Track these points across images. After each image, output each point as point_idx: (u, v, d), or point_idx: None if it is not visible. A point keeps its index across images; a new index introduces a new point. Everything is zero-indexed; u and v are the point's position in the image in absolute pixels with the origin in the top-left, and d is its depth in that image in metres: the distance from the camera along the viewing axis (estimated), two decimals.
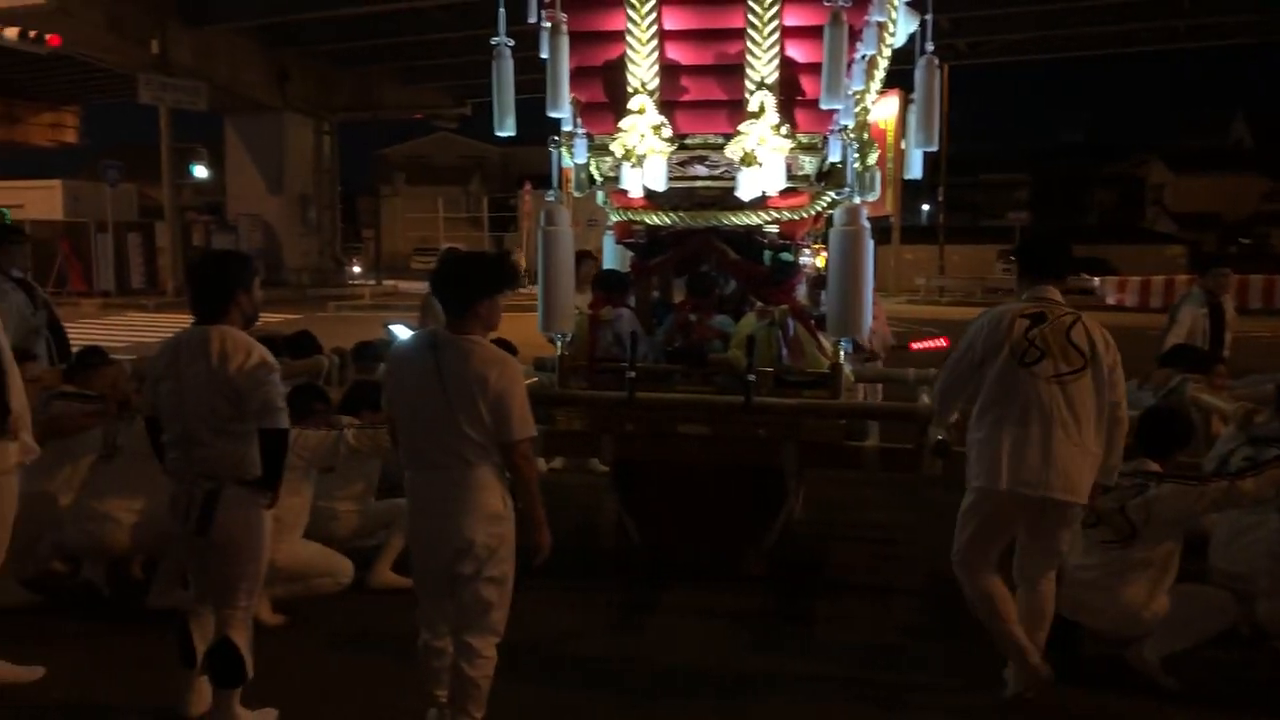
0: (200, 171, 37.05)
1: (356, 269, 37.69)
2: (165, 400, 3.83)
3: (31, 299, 6.55)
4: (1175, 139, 59.09)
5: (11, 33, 22.81)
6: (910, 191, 38.17)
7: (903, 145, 7.20)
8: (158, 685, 4.17)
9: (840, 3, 5.10)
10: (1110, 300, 27.55)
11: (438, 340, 3.56)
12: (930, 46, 5.64)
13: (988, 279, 33.02)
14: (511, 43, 5.70)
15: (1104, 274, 30.42)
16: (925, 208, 47.86)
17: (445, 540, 3.52)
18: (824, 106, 5.31)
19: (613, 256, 7.01)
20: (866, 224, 5.39)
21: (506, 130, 5.86)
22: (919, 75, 5.72)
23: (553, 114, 5.74)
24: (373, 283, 33.81)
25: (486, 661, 3.56)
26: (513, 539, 3.58)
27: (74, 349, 6.78)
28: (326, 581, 5.18)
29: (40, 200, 30.54)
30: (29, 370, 5.28)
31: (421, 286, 23.01)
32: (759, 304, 5.95)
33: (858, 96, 5.62)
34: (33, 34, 22.90)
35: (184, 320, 4.08)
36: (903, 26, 5.97)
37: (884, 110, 27.47)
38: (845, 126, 5.48)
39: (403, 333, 7.13)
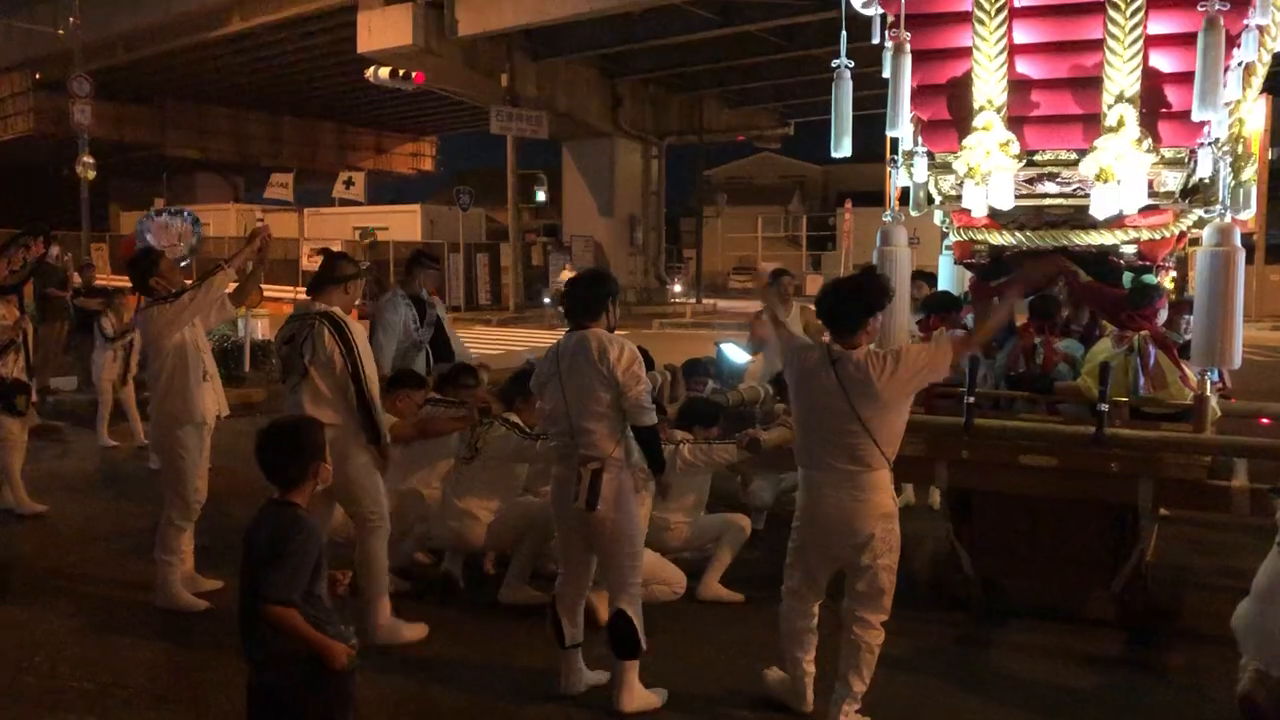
0: (540, 196, 39.48)
1: (677, 288, 38.83)
2: (552, 399, 4.34)
3: (420, 315, 7.23)
4: None
5: (384, 72, 25.46)
6: (1278, 203, 34.46)
7: (1270, 154, 6.52)
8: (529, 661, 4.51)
9: (1217, 6, 4.71)
10: None
11: (833, 354, 4.03)
12: None
13: None
14: (851, 64, 5.68)
15: None
16: None
17: (844, 534, 4.01)
18: (1196, 119, 4.91)
19: (948, 277, 6.83)
20: (1239, 244, 4.98)
21: (843, 151, 5.84)
22: None
23: (892, 134, 5.67)
24: (693, 301, 34.69)
25: (879, 633, 4.08)
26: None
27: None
28: (663, 589, 5.39)
29: (403, 223, 33.74)
30: (414, 397, 5.86)
31: (741, 305, 23.43)
32: (1116, 329, 5.59)
33: (1232, 107, 5.19)
34: (401, 72, 25.46)
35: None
36: None
37: (1253, 117, 25.04)
38: (1217, 139, 5.06)
39: (734, 352, 7.27)
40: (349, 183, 33.62)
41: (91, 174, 25.00)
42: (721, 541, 5.72)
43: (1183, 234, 5.63)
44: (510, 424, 5.46)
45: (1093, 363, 5.40)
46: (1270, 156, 25.91)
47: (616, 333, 4.42)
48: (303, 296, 5.45)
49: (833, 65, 5.67)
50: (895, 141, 5.85)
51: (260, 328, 14.63)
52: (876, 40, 5.48)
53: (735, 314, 25.02)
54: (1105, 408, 4.98)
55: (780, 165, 51.60)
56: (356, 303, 5.27)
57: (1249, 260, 30.30)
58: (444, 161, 53.68)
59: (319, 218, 36.48)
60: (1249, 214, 5.49)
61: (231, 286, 5.85)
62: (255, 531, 3.04)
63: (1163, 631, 5.24)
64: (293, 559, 2.93)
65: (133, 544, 6.48)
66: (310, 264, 32.98)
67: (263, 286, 8.29)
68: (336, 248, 32.54)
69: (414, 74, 25.56)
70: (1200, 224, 5.40)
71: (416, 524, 5.78)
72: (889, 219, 5.71)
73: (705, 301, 34.54)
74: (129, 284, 6.21)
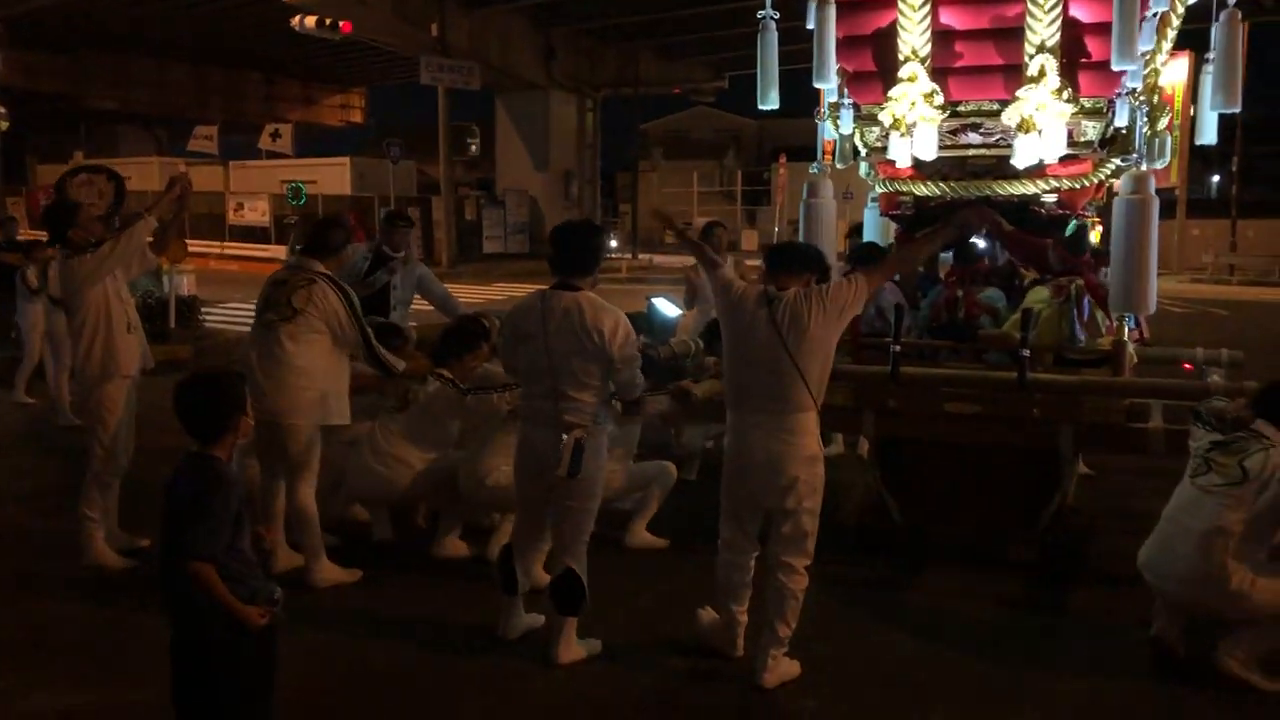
0: (473, 149, 38.99)
1: (613, 243, 38.68)
2: (530, 358, 4.24)
3: (373, 273, 7.14)
4: None
5: (310, 21, 24.85)
6: (1199, 162, 35.27)
7: (1192, 111, 6.70)
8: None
9: None
10: None
11: (769, 295, 4.08)
12: (1233, 1, 5.24)
13: None
14: (776, 15, 5.68)
15: None
16: (1215, 179, 44.07)
17: (770, 476, 4.05)
18: (1115, 68, 4.98)
19: (874, 229, 6.89)
20: (1154, 193, 5.10)
21: (770, 104, 5.86)
22: (1220, 31, 5.31)
23: (818, 85, 5.68)
24: (629, 256, 34.62)
25: (803, 578, 4.13)
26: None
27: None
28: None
29: (332, 176, 33.12)
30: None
31: (677, 260, 23.46)
32: (1055, 279, 5.69)
33: (1147, 57, 5.28)
34: (328, 21, 24.88)
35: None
36: None
37: (1172, 74, 25.47)
38: (1133, 89, 5.15)
39: (665, 306, 7.28)
40: (276, 135, 32.91)
41: (4, 124, 24.14)
42: (650, 488, 5.76)
43: (1101, 183, 5.73)
44: (444, 379, 5.43)
45: (1019, 311, 5.51)
46: (1191, 114, 26.53)
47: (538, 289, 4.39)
48: (229, 251, 5.44)
49: (758, 16, 5.68)
50: (823, 94, 5.88)
51: (186, 284, 14.33)
52: None
53: (671, 268, 24.99)
54: (1027, 353, 5.09)
55: (716, 119, 51.46)
56: None
57: (1170, 215, 31.10)
58: (374, 113, 52.75)
59: (245, 171, 35.67)
60: (1164, 163, 5.63)
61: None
62: (174, 486, 2.99)
63: (1079, 573, 5.38)
64: (212, 514, 2.89)
65: (53, 503, 6.34)
66: (236, 217, 32.38)
67: (187, 241, 8.15)
68: (263, 202, 32.05)
69: (341, 23, 24.99)
70: (1118, 173, 5.50)
71: (343, 476, 5.74)
72: (815, 171, 5.75)
73: (641, 256, 34.50)
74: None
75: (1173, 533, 4.25)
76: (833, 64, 5.52)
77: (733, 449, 4.21)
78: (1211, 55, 5.42)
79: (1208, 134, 5.85)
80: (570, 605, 4.28)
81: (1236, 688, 4.12)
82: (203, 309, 14.49)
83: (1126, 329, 5.25)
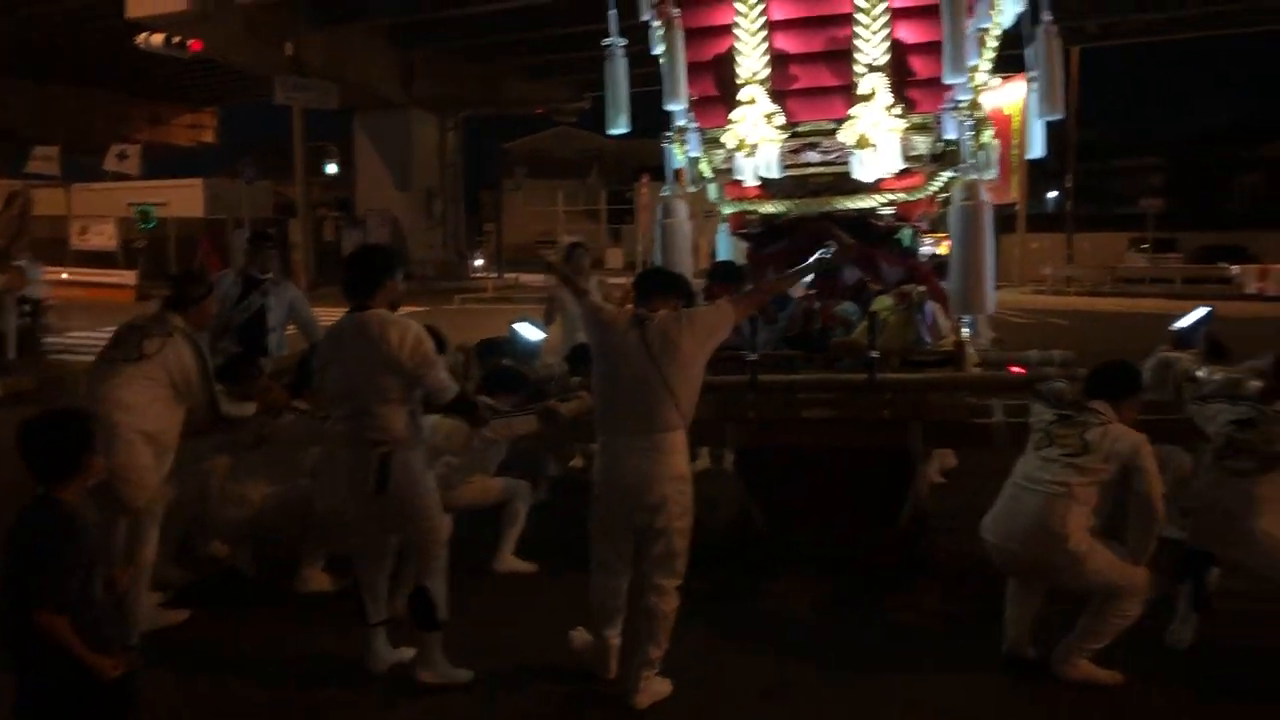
0: (331, 168, 38.24)
1: (479, 262, 38.43)
2: (335, 383, 4.31)
3: (246, 297, 6.94)
4: None
5: (157, 39, 24.04)
6: (1037, 179, 37.10)
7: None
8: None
9: None
10: (1250, 289, 26.41)
11: (638, 317, 4.18)
12: (1048, 16, 5.65)
13: (1118, 268, 31.83)
14: (624, 42, 5.86)
15: (1244, 262, 29.13)
16: (1052, 195, 46.36)
17: (640, 496, 4.11)
18: (947, 80, 5.35)
19: (727, 249, 7.08)
20: (986, 198, 5.41)
21: (619, 128, 6.04)
22: (1038, 46, 5.72)
23: (670, 108, 5.85)
24: (495, 275, 34.47)
25: (673, 598, 4.17)
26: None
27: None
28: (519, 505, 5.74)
29: (183, 198, 31.96)
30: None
31: (542, 279, 23.48)
32: (898, 287, 5.98)
33: (971, 73, 5.61)
34: (176, 40, 24.09)
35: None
36: (1010, 5, 5.94)
37: (1009, 95, 26.71)
38: (959, 103, 5.48)
39: (529, 332, 7.32)
40: (123, 155, 31.61)
41: None
42: (506, 514, 5.78)
43: (934, 195, 6.07)
44: (299, 412, 5.37)
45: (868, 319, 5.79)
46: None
47: (402, 311, 4.39)
48: (75, 277, 5.23)
49: (604, 44, 5.84)
50: (671, 117, 6.06)
51: (42, 293, 13.66)
52: (645, 17, 5.65)
53: (537, 287, 24.99)
54: (876, 354, 5.33)
55: (579, 138, 51.73)
56: None
57: (1011, 229, 32.42)
58: (227, 133, 51.20)
59: (90, 194, 34.09)
60: (991, 174, 5.93)
61: None
62: (18, 531, 2.87)
63: (937, 573, 5.61)
64: (61, 561, 2.79)
65: None
66: (81, 242, 30.99)
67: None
68: (110, 225, 30.63)
69: (190, 42, 24.25)
70: (949, 185, 5.81)
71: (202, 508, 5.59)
72: (668, 193, 5.92)
73: (507, 275, 34.40)
74: None
75: (1016, 495, 4.50)
76: (684, 86, 5.68)
77: (603, 470, 4.26)
78: (1034, 72, 5.79)
79: (1035, 147, 6.22)
80: (427, 621, 4.27)
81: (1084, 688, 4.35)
82: (46, 338, 13.83)
83: (966, 331, 5.57)
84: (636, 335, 4.15)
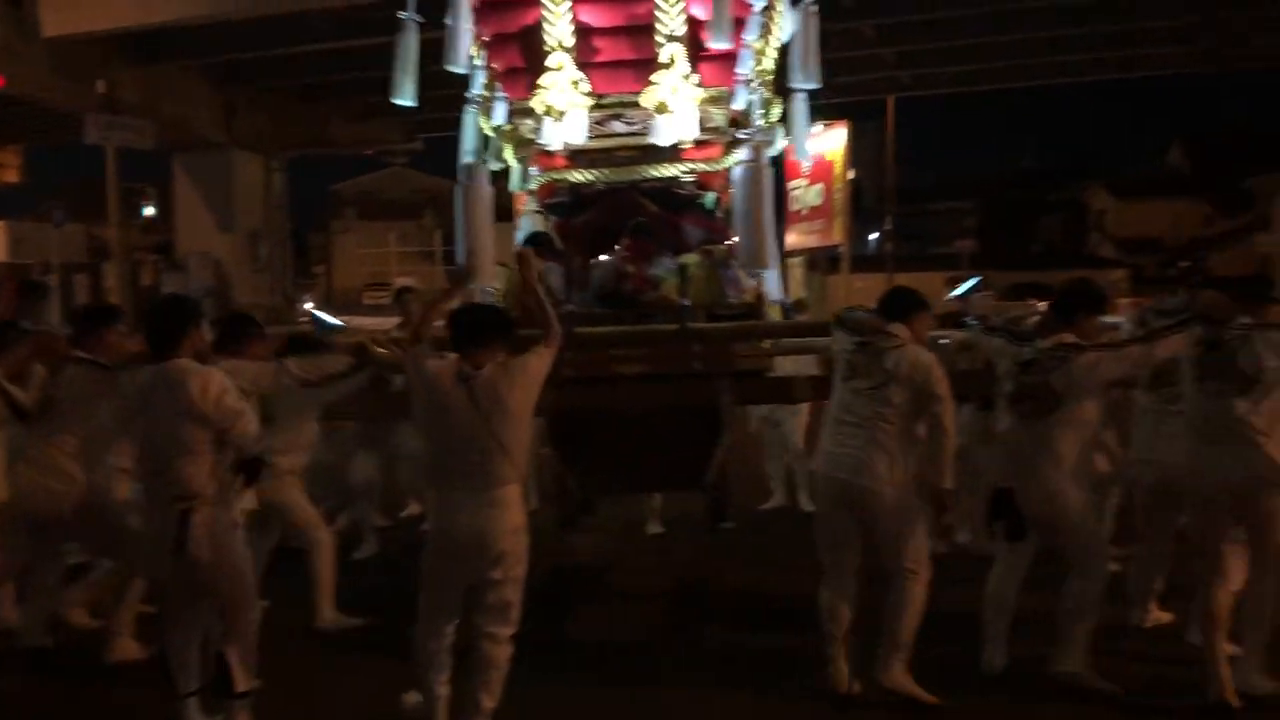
0: (149, 210, 36.65)
1: (309, 305, 37.32)
2: (140, 438, 4.18)
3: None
4: (1117, 166, 60.32)
5: None
6: (860, 221, 38.69)
7: (850, 173, 7.60)
8: None
9: None
10: None
11: (463, 373, 4.10)
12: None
13: (936, 306, 33.25)
14: (420, 19, 6.10)
15: (1049, 299, 30.95)
16: (874, 237, 48.44)
17: (478, 550, 4.06)
18: (711, 45, 5.72)
19: (529, 224, 7.00)
20: (767, 162, 5.86)
21: (405, 99, 6.22)
22: (798, 21, 6.21)
23: (451, 68, 6.01)
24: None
25: (507, 648, 4.16)
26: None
27: None
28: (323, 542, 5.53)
29: None
30: None
31: (373, 322, 22.90)
32: (702, 245, 6.26)
33: (760, 50, 6.07)
34: None
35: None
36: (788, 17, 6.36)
37: (831, 143, 27.91)
38: (750, 79, 5.97)
39: (329, 317, 7.30)
40: None
41: None
42: (313, 562, 5.58)
43: (729, 170, 6.40)
44: (85, 360, 5.01)
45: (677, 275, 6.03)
46: (850, 176, 29.27)
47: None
48: None
49: (400, 16, 6.03)
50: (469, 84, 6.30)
51: None
52: None
53: (368, 331, 24.40)
54: (687, 303, 5.57)
55: (412, 179, 51.13)
56: None
57: (836, 270, 33.60)
58: (33, 172, 48.35)
59: None
60: (781, 146, 6.44)
61: None
62: None
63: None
64: None
65: None
66: None
67: None
68: None
69: None
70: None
71: None
72: (470, 159, 6.11)
73: (340, 319, 33.59)
74: None
75: (837, 429, 4.69)
76: (466, 48, 5.90)
77: (438, 526, 4.20)
78: (794, 44, 6.25)
79: (799, 116, 6.50)
80: (226, 690, 4.10)
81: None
82: None
83: (767, 288, 6.02)
84: (464, 393, 4.06)
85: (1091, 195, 54.05)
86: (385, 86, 6.28)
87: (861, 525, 4.63)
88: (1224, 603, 4.57)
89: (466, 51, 5.97)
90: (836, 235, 27.97)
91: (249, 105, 31.31)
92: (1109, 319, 5.88)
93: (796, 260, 33.30)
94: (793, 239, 31.06)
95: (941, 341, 5.67)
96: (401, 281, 9.53)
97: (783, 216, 7.28)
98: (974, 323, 5.76)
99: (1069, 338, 4.70)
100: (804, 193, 28.96)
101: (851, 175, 28.76)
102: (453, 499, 4.13)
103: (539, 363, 4.22)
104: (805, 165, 27.89)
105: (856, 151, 29.74)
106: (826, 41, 6.34)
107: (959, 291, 6.81)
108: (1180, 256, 46.73)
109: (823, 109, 6.58)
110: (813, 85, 6.32)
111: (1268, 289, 5.06)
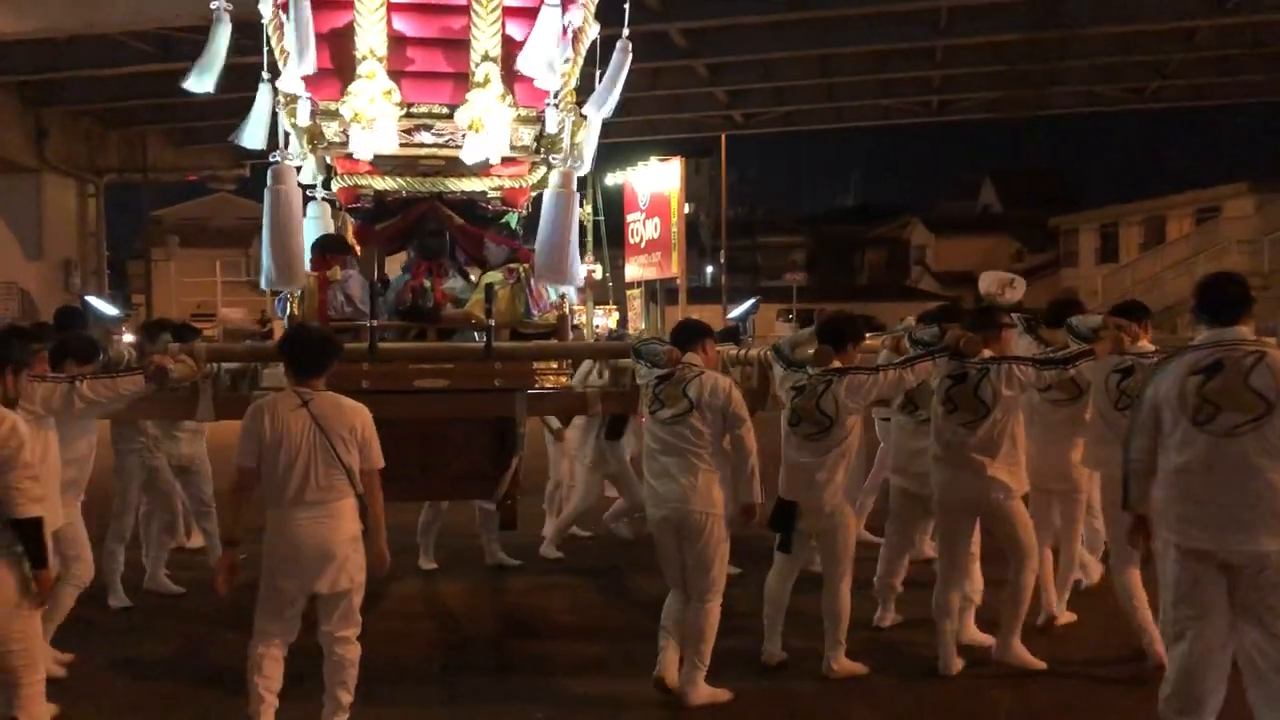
0: None
1: (128, 336, 35.60)
2: None
3: None
4: (937, 203, 63.24)
5: None
6: (695, 254, 39.50)
7: (686, 210, 7.77)
8: None
9: None
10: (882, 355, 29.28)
11: (303, 396, 4.31)
12: (626, 33, 6.37)
13: (769, 337, 34.20)
14: (230, 7, 6.06)
15: (873, 330, 32.18)
16: (709, 269, 49.47)
17: (318, 562, 4.28)
18: (538, 86, 5.84)
19: (315, 227, 6.92)
20: (575, 188, 6.10)
21: (204, 86, 6.14)
22: (615, 57, 6.35)
23: (302, 74, 5.85)
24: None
25: (356, 647, 4.46)
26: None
27: None
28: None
29: None
30: None
31: (240, 315, 21.80)
32: (505, 264, 6.28)
33: (567, 71, 6.14)
34: None
35: None
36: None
37: (667, 179, 28.39)
38: (559, 101, 6.01)
39: (106, 306, 6.97)
40: None
41: None
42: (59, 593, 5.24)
43: (532, 186, 6.53)
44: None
45: (480, 290, 6.06)
46: (686, 211, 29.88)
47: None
48: None
49: (212, 7, 6.00)
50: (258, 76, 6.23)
51: None
52: None
53: (235, 321, 23.38)
54: (493, 323, 5.62)
55: (239, 207, 49.37)
56: None
57: (673, 301, 34.06)
58: None
59: None
60: (586, 168, 6.59)
61: None
62: None
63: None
64: None
65: None
66: None
67: None
68: None
69: None
70: (545, 180, 6.35)
71: None
72: (278, 160, 5.99)
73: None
74: None
75: (652, 464, 4.96)
76: (311, 52, 5.71)
77: (279, 542, 4.32)
78: (600, 74, 6.37)
79: (604, 109, 6.54)
80: None
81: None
82: None
83: (569, 303, 6.22)
84: (305, 415, 4.27)
85: (912, 231, 56.61)
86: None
87: (680, 544, 4.94)
88: (954, 600, 5.41)
89: (312, 52, 5.79)
90: (674, 268, 28.45)
91: (62, 127, 29.72)
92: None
93: (635, 292, 33.77)
94: (632, 271, 31.46)
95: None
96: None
97: (582, 238, 7.60)
98: (749, 339, 6.19)
99: (835, 363, 5.23)
100: (642, 226, 29.42)
101: (687, 210, 29.40)
102: (293, 516, 4.29)
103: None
104: (643, 201, 28.42)
105: (692, 187, 30.38)
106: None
107: (735, 314, 7.17)
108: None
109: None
110: (605, 116, 6.46)
111: (1070, 310, 5.97)
